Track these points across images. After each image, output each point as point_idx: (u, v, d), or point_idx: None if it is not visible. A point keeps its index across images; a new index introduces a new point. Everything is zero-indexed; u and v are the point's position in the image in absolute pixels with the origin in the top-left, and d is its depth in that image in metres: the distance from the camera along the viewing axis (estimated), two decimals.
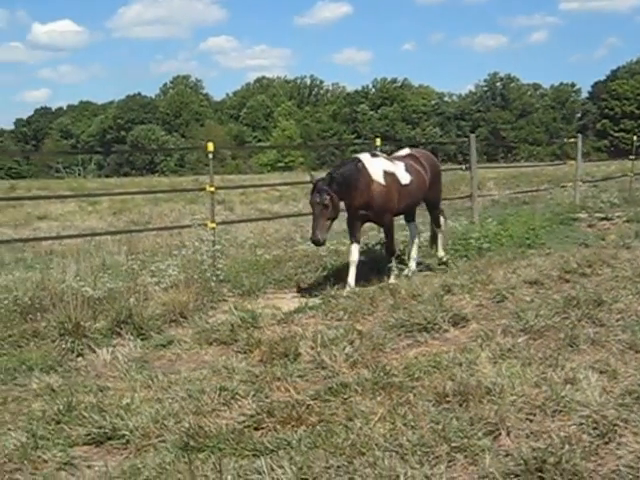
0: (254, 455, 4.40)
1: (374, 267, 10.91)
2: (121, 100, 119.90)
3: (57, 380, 6.44)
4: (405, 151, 11.56)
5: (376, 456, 4.14)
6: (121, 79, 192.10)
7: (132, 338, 7.75)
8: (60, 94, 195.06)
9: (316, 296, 9.34)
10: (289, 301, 9.38)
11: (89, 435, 5.01)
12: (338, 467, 4.09)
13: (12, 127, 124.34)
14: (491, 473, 3.92)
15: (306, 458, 4.18)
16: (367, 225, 11.21)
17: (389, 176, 10.21)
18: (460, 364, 5.74)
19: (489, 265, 10.08)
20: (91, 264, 11.33)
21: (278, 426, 4.81)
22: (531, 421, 4.56)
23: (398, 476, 3.87)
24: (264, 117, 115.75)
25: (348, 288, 9.56)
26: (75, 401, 5.55)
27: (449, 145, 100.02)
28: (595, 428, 4.36)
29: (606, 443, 4.22)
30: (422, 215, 12.45)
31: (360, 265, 10.20)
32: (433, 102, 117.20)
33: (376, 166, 10.16)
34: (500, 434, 4.38)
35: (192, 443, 4.61)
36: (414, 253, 11.43)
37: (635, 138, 24.46)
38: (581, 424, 4.44)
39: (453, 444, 4.27)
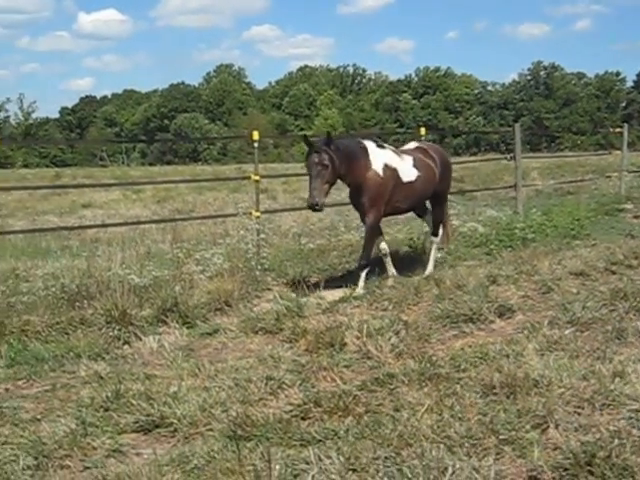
0: (301, 445, 4.39)
1: (418, 258, 10.87)
2: (165, 89, 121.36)
3: (105, 367, 6.51)
4: (413, 144, 11.02)
5: (424, 447, 4.11)
6: (165, 68, 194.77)
7: (178, 326, 7.82)
8: (105, 83, 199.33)
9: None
10: (333, 291, 9.32)
11: (137, 423, 5.05)
12: (385, 458, 4.06)
13: (57, 115, 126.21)
14: (540, 466, 3.87)
15: (354, 448, 4.17)
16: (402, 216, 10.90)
17: (389, 170, 9.62)
18: (507, 356, 5.68)
19: (534, 256, 9.96)
20: (136, 252, 11.49)
21: (325, 416, 4.81)
22: (579, 414, 4.49)
23: (446, 468, 3.84)
24: (306, 106, 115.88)
25: (392, 278, 9.51)
26: (123, 389, 5.59)
27: (492, 134, 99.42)
28: None
29: None
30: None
31: (403, 256, 10.15)
32: (476, 91, 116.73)
33: (378, 156, 9.63)
34: (548, 427, 4.32)
35: (240, 432, 4.62)
36: (433, 254, 10.56)
37: None
38: (630, 418, 4.37)
39: (501, 436, 4.23)
